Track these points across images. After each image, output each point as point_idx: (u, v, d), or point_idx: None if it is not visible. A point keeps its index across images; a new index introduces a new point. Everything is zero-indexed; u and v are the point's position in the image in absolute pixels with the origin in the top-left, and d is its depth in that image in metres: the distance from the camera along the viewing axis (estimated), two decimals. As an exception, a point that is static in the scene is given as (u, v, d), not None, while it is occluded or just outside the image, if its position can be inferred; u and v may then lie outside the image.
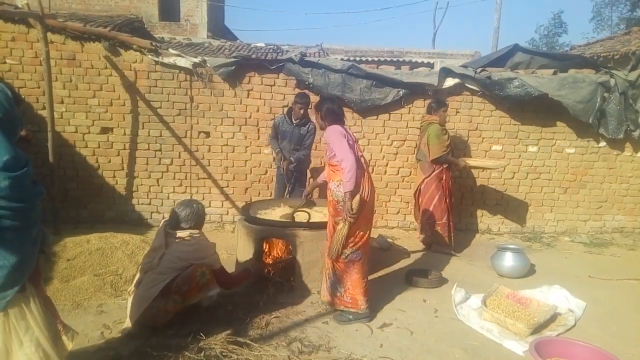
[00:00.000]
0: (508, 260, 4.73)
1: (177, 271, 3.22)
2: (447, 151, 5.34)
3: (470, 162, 5.68)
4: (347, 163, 3.34)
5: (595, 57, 8.15)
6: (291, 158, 5.36)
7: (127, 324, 3.14)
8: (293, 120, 5.38)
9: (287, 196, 5.43)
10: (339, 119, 3.66)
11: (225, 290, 3.64)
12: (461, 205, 6.37)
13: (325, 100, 3.79)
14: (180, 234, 3.34)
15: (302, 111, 5.30)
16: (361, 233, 3.55)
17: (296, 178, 5.52)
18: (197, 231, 3.44)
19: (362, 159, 3.60)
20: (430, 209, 5.39)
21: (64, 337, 2.32)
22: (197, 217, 3.45)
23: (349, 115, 6.15)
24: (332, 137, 3.49)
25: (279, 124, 5.46)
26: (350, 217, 3.37)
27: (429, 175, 5.38)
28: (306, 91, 5.80)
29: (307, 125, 5.41)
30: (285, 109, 6.12)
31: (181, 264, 3.25)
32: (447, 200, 5.43)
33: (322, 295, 3.81)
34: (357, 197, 3.39)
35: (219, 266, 3.52)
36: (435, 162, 5.33)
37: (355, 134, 6.08)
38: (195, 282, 3.26)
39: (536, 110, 6.23)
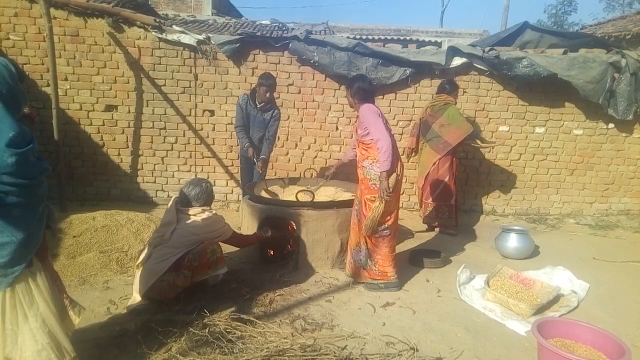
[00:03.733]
0: (512, 242, 4.73)
1: (188, 246, 3.27)
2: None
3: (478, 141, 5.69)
4: (384, 143, 3.42)
5: (607, 37, 8.00)
6: (262, 157, 4.91)
7: (133, 300, 3.18)
8: (257, 103, 4.90)
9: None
10: (369, 97, 3.72)
11: (232, 269, 3.68)
12: (466, 186, 6.35)
13: (356, 79, 3.83)
14: (192, 211, 3.39)
15: (267, 94, 4.81)
16: (394, 209, 3.72)
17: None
18: (208, 207, 3.50)
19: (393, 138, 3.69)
20: (439, 189, 5.39)
21: (70, 312, 2.35)
22: (207, 196, 3.50)
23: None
24: (368, 116, 3.54)
25: (244, 106, 4.92)
26: (387, 195, 3.48)
27: (443, 156, 5.35)
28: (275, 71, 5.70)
29: (272, 111, 4.96)
30: (290, 88, 6.07)
31: (193, 238, 3.30)
32: (455, 182, 5.41)
33: (346, 268, 4.00)
34: (393, 176, 3.55)
35: (232, 232, 3.64)
36: (469, 138, 5.38)
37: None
38: (205, 259, 3.31)
39: (544, 90, 6.14)
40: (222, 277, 3.50)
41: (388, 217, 3.68)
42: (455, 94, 5.47)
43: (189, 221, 3.34)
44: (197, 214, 3.38)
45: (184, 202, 3.45)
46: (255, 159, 4.89)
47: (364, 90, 3.69)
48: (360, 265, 3.82)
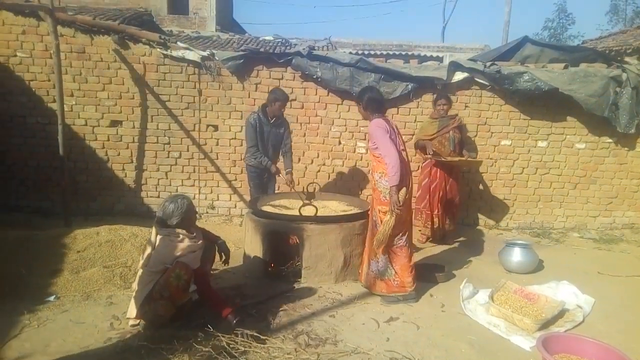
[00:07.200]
0: (516, 256, 4.71)
1: (159, 274, 3.13)
2: (424, 139, 5.56)
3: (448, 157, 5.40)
4: (391, 159, 3.55)
5: (608, 51, 8.03)
6: (289, 169, 5.16)
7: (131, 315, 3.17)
8: (269, 118, 5.00)
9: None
10: (380, 107, 3.85)
11: (236, 284, 3.63)
12: (469, 199, 6.34)
13: (365, 90, 3.98)
14: (161, 232, 3.21)
15: (282, 109, 5.01)
16: (406, 220, 3.82)
17: (269, 178, 5.28)
18: (174, 231, 3.22)
19: (403, 152, 3.77)
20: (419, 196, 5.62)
21: None
22: (183, 213, 3.23)
23: (356, 109, 6.13)
24: (375, 132, 3.66)
25: (257, 124, 4.92)
26: (397, 209, 3.57)
27: (424, 164, 5.68)
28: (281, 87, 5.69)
29: (285, 125, 5.19)
30: (293, 103, 6.10)
31: (161, 267, 3.15)
32: (437, 196, 5.47)
33: (361, 279, 4.05)
34: (404, 190, 3.65)
35: (196, 266, 3.23)
36: (416, 148, 5.78)
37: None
38: (174, 287, 3.10)
39: (546, 104, 6.17)
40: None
41: (401, 228, 3.76)
42: (433, 102, 5.67)
43: (158, 247, 3.17)
44: (163, 238, 3.17)
45: (161, 220, 3.24)
46: (280, 175, 5.12)
47: (375, 101, 3.81)
48: (377, 275, 3.84)
